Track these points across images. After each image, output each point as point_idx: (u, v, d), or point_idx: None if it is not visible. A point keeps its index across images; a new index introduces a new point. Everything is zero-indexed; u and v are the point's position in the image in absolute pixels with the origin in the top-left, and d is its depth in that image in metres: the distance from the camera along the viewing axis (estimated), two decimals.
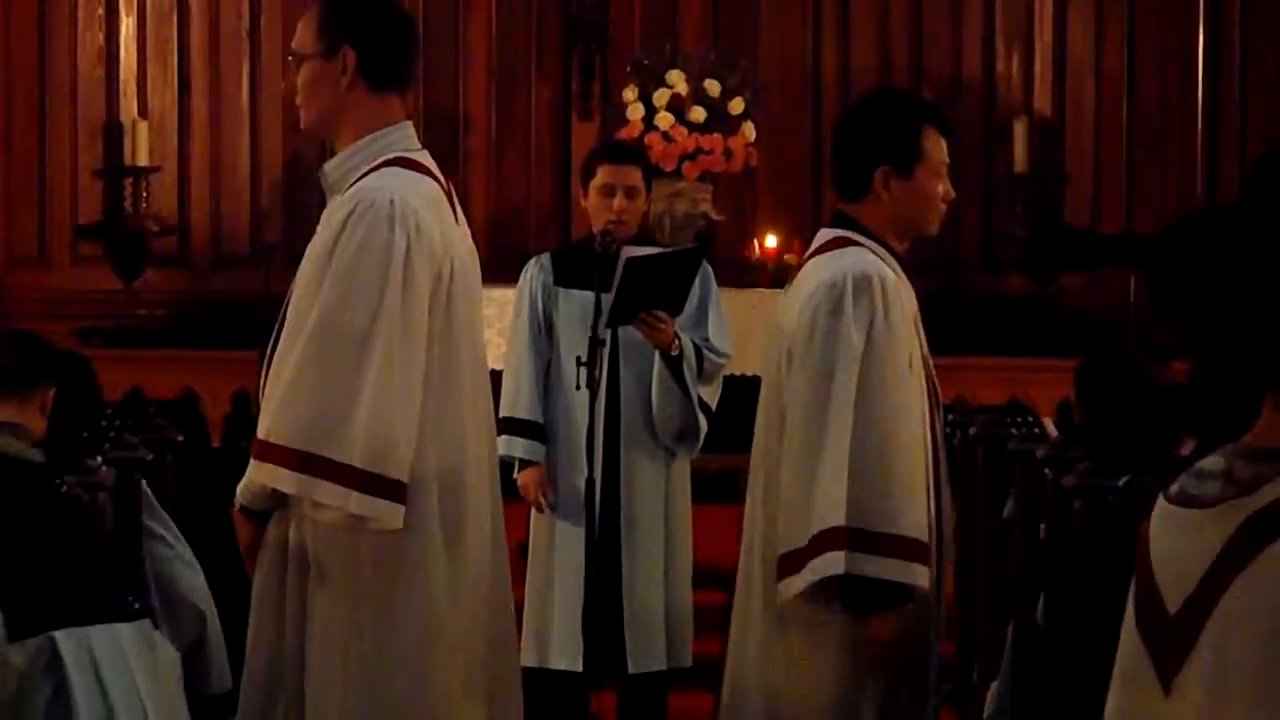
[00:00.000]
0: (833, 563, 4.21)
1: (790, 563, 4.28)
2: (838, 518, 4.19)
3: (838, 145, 4.52)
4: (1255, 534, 1.88)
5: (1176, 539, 1.96)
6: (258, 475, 4.15)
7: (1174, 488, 1.99)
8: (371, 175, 4.19)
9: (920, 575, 4.27)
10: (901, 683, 4.37)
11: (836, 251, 4.40)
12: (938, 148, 4.46)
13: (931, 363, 4.53)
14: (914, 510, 4.27)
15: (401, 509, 4.09)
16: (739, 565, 4.55)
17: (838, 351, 4.26)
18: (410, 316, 4.11)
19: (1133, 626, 1.99)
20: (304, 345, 4.08)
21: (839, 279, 4.31)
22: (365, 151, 4.24)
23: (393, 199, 4.13)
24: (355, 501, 4.06)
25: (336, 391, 4.06)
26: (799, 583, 4.25)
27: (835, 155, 4.52)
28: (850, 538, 4.18)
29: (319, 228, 4.26)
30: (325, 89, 4.25)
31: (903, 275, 4.43)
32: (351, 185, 4.20)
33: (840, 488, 4.20)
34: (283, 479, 4.09)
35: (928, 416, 4.41)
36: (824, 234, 4.51)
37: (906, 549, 4.24)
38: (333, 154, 4.30)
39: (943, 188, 4.46)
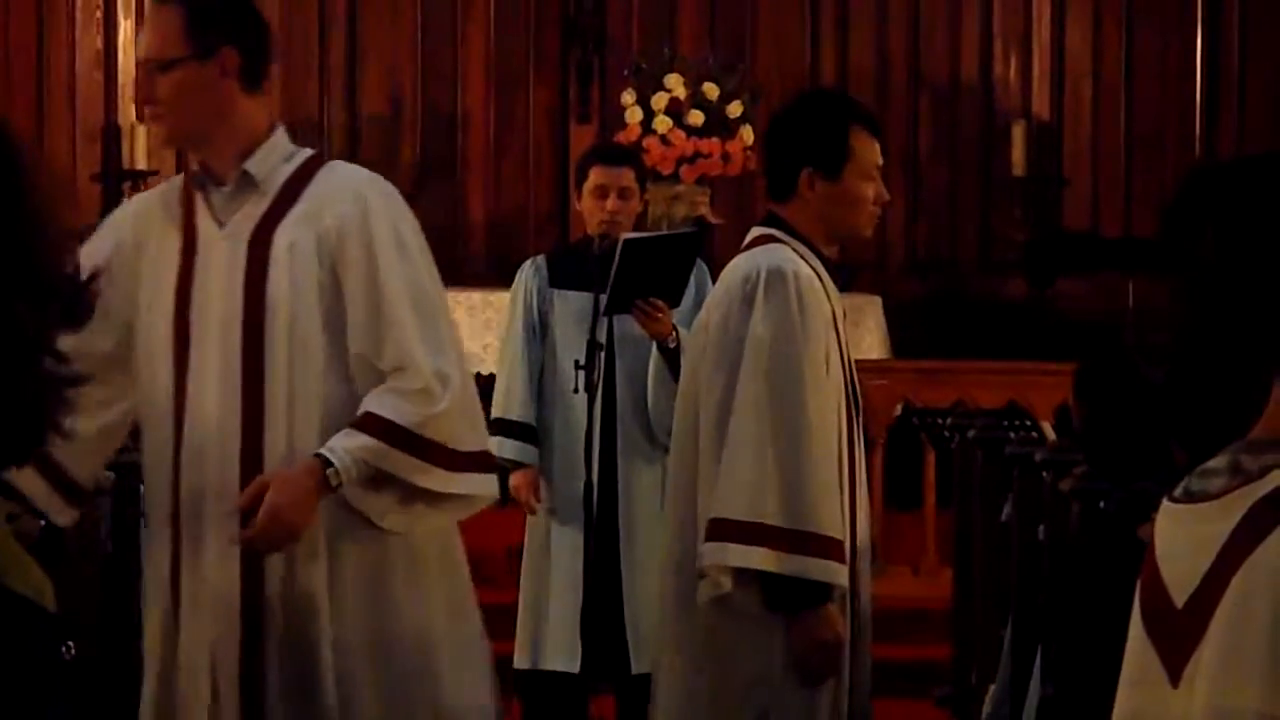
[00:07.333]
0: (741, 555, 4.21)
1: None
2: (741, 510, 4.20)
3: (766, 146, 4.54)
4: (1262, 516, 1.83)
5: (1181, 533, 1.92)
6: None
7: (1178, 489, 1.95)
8: (336, 175, 4.17)
9: (839, 574, 4.26)
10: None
11: (759, 249, 4.41)
12: (868, 149, 4.43)
13: (854, 367, 4.51)
14: (830, 507, 4.26)
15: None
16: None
17: (744, 345, 4.26)
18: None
19: (1139, 625, 1.95)
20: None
21: (752, 274, 4.32)
22: (280, 149, 4.15)
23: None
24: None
25: None
26: (712, 586, 4.26)
27: (764, 156, 4.54)
28: (765, 533, 4.20)
29: (305, 217, 4.09)
30: (203, 93, 4.08)
31: (827, 277, 4.42)
32: (284, 183, 4.11)
33: (746, 480, 4.20)
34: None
35: (844, 419, 4.38)
36: (753, 232, 4.52)
37: (821, 546, 4.23)
38: (204, 164, 4.16)
39: (874, 190, 4.43)
